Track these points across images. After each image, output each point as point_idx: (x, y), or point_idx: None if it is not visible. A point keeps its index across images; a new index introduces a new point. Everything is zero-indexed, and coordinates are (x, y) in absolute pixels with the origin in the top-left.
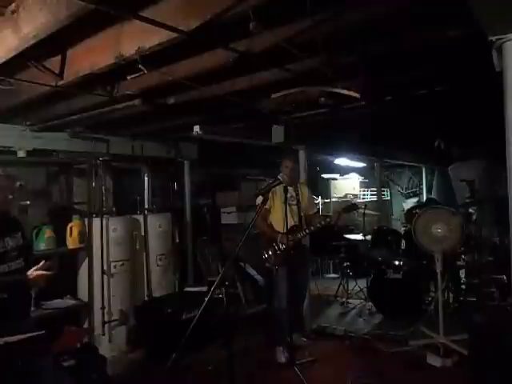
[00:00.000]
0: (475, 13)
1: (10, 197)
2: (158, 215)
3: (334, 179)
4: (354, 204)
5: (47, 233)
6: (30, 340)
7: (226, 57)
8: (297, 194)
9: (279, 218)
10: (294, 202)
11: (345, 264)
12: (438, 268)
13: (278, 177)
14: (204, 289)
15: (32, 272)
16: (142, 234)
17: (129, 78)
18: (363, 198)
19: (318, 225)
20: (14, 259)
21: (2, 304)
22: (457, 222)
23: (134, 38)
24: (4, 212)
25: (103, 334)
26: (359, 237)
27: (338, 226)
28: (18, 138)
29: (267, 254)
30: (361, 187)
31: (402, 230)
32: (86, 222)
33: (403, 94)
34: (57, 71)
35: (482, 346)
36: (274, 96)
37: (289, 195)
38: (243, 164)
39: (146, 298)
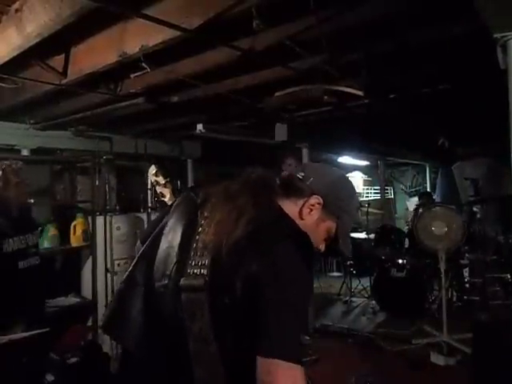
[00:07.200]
0: (480, 10)
1: (27, 192)
2: None
3: None
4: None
5: (51, 231)
6: (34, 338)
7: (229, 55)
8: None
9: None
10: None
11: (348, 262)
12: (442, 266)
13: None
14: None
15: None
16: None
17: (132, 76)
18: (366, 197)
19: None
20: (33, 256)
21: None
22: (458, 220)
23: (137, 37)
24: (26, 208)
25: None
26: (363, 235)
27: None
28: (21, 137)
29: None
30: (364, 185)
31: (405, 228)
32: (90, 220)
33: (407, 93)
34: (60, 69)
35: (486, 344)
36: (277, 94)
37: None
38: (246, 162)
39: None
